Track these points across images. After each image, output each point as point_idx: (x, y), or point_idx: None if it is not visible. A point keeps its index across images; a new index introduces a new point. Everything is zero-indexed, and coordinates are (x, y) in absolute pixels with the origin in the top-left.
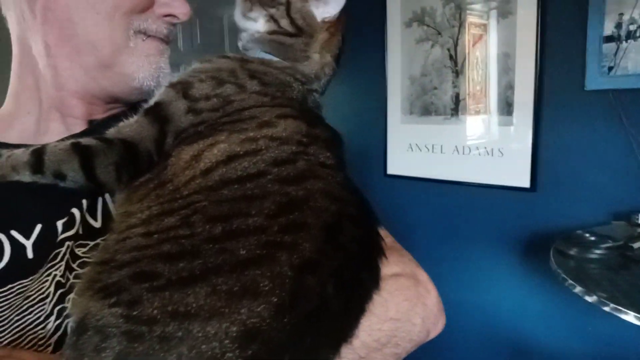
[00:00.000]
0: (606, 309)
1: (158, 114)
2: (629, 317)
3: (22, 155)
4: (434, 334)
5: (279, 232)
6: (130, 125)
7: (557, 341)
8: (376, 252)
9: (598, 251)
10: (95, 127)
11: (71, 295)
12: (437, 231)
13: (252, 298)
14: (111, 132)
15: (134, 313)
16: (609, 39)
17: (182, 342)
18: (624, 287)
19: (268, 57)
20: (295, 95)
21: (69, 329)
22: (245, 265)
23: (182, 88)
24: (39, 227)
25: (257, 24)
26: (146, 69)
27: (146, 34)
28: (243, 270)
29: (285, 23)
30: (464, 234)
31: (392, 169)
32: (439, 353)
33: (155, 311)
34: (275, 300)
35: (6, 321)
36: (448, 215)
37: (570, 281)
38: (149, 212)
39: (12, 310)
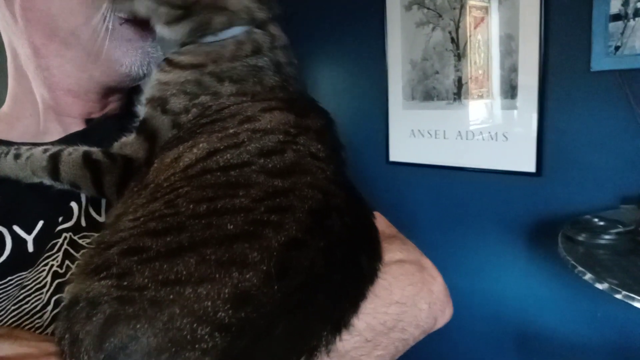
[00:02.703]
0: (618, 296)
1: (147, 132)
2: None
3: (40, 158)
4: (441, 321)
5: (265, 212)
6: (131, 145)
7: (565, 328)
8: (373, 239)
9: (607, 236)
10: (94, 126)
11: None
12: (441, 218)
13: (241, 267)
14: (115, 148)
15: (125, 283)
16: (616, 17)
17: (173, 303)
18: (635, 274)
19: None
20: (272, 78)
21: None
22: (232, 239)
23: (160, 104)
24: (41, 223)
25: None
26: (131, 53)
27: (121, 16)
28: (231, 244)
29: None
30: (468, 220)
31: (394, 156)
32: (446, 340)
33: (145, 280)
34: (265, 269)
35: (3, 311)
36: (452, 201)
37: (580, 268)
38: (134, 205)
39: (9, 300)
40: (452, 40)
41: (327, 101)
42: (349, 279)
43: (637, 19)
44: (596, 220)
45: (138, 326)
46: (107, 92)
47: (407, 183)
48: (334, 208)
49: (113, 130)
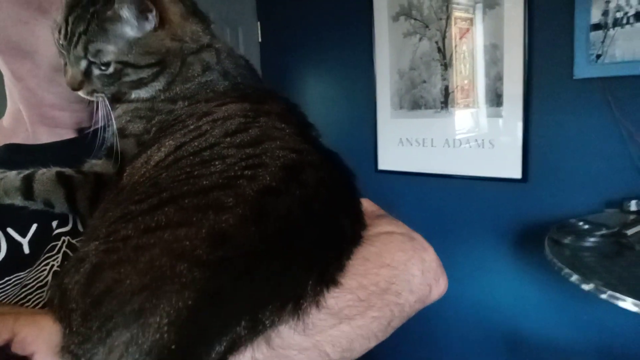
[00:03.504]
0: (603, 296)
1: (114, 155)
2: (627, 304)
3: (14, 180)
4: (436, 291)
5: (238, 170)
6: (101, 165)
7: (554, 330)
8: (354, 203)
9: (592, 239)
10: (84, 136)
11: None
12: (430, 225)
13: (217, 210)
14: (85, 167)
15: (110, 239)
16: (597, 26)
17: (154, 246)
18: (620, 274)
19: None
20: (222, 84)
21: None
22: (208, 190)
23: (120, 132)
24: (34, 226)
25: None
26: None
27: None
28: (206, 193)
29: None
30: (457, 227)
31: (383, 164)
32: (436, 345)
33: (129, 232)
34: (240, 211)
35: None
36: (441, 208)
37: (567, 270)
38: (113, 204)
39: (9, 299)
40: (439, 50)
41: (316, 110)
42: (329, 233)
43: (616, 28)
44: (581, 223)
45: (122, 270)
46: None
47: (396, 191)
48: (308, 164)
49: (102, 140)
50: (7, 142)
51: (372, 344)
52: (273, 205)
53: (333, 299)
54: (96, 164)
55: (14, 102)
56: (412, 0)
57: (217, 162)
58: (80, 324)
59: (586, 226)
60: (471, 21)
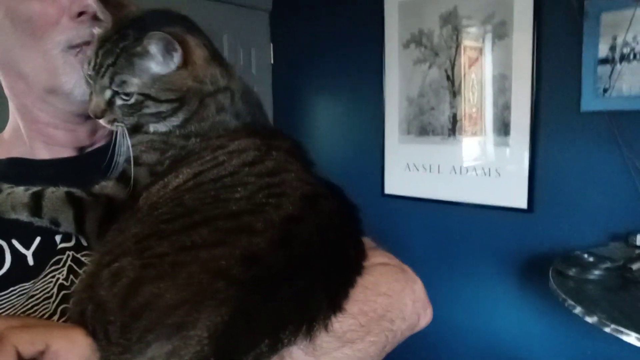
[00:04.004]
0: (607, 329)
1: (126, 181)
2: (630, 338)
3: (22, 195)
4: (424, 321)
5: (263, 197)
6: (111, 187)
7: None
8: (358, 235)
9: (597, 272)
10: (86, 155)
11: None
12: (435, 251)
13: (249, 234)
14: (96, 189)
15: (145, 255)
16: (604, 61)
17: (192, 264)
18: (624, 308)
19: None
20: (233, 124)
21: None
22: (238, 215)
23: (134, 161)
24: (38, 239)
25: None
26: (84, 82)
27: (74, 46)
28: (237, 217)
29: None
30: (461, 254)
31: (389, 189)
32: None
33: (165, 249)
34: (269, 236)
35: None
36: (445, 235)
37: (570, 302)
38: (129, 223)
39: (15, 309)
40: (448, 78)
41: (325, 132)
42: (339, 261)
43: (623, 63)
44: (586, 256)
45: (161, 285)
46: (86, 118)
47: (402, 215)
48: (321, 195)
49: (103, 160)
50: (8, 154)
51: None
52: (295, 232)
53: (338, 323)
54: (106, 187)
55: (13, 115)
56: (423, 29)
57: (239, 188)
58: (119, 336)
59: (591, 259)
60: (480, 51)
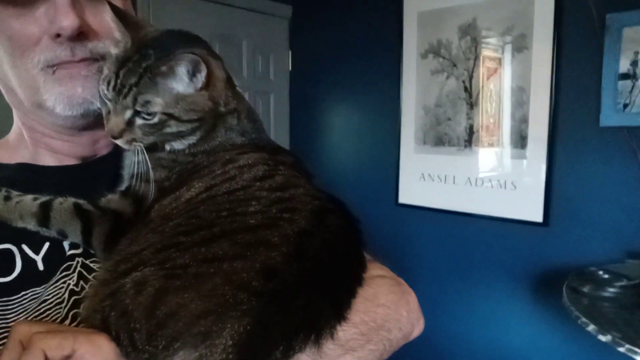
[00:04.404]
0: (621, 349)
1: (134, 196)
2: None
3: (30, 205)
4: (417, 331)
5: (277, 212)
6: (118, 202)
7: None
8: (360, 251)
9: (612, 289)
10: (89, 163)
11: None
12: (448, 262)
13: (266, 247)
14: (102, 202)
15: (167, 266)
16: (625, 76)
17: (215, 275)
18: (639, 328)
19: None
20: (239, 140)
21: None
22: (255, 229)
23: (141, 178)
24: (47, 244)
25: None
26: (65, 96)
27: (53, 65)
28: (255, 231)
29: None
30: (474, 266)
31: (403, 198)
32: None
33: (187, 260)
34: (285, 250)
35: None
36: (459, 246)
37: (584, 319)
38: (141, 234)
39: (28, 313)
40: (465, 89)
41: (340, 140)
42: (345, 273)
43: None
44: (601, 272)
45: (186, 295)
46: (79, 130)
47: (415, 225)
48: (329, 211)
49: (108, 170)
50: (14, 158)
51: None
52: (307, 246)
53: (342, 332)
54: (112, 200)
55: (15, 120)
56: (442, 39)
57: (253, 202)
58: (146, 343)
59: (606, 275)
60: (499, 62)
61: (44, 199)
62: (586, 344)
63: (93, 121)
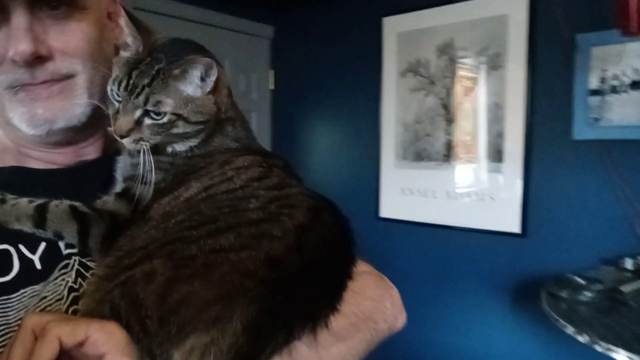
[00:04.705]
0: (598, 348)
1: (130, 198)
2: (620, 356)
3: (26, 207)
4: (399, 323)
5: (276, 208)
6: (113, 203)
7: None
8: (350, 243)
9: (589, 294)
10: (80, 167)
11: (83, 300)
12: (429, 274)
13: (269, 240)
14: (98, 204)
15: (175, 257)
16: (595, 92)
17: (222, 265)
18: (614, 328)
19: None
20: (233, 145)
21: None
22: (258, 223)
23: (137, 179)
24: (43, 244)
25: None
26: (27, 117)
27: (14, 86)
28: (258, 224)
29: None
30: (455, 277)
31: (384, 212)
32: None
33: (194, 252)
34: (286, 242)
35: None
36: (439, 258)
37: (562, 322)
38: (142, 231)
39: (28, 309)
40: (444, 106)
41: (322, 156)
42: (338, 267)
43: (613, 95)
44: (578, 278)
45: (196, 284)
46: (60, 147)
47: (396, 239)
48: (323, 208)
49: (99, 173)
50: (3, 161)
51: None
52: (305, 240)
53: (334, 322)
54: (108, 202)
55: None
56: (420, 59)
57: (252, 200)
58: (158, 328)
59: (582, 281)
60: (475, 80)
61: (39, 201)
62: (564, 347)
63: (72, 136)
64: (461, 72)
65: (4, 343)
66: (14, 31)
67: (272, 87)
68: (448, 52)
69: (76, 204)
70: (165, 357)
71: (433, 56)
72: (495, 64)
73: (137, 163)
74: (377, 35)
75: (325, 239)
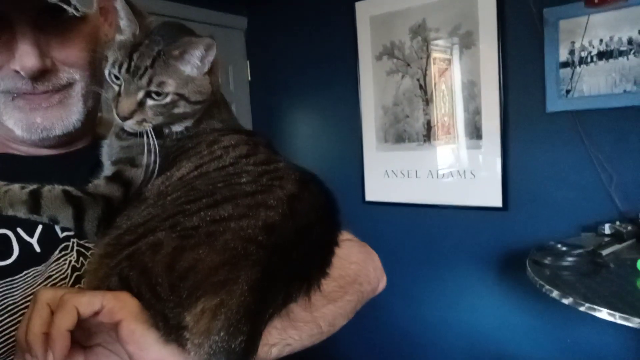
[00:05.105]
0: (581, 308)
1: (121, 181)
2: (602, 314)
3: (19, 194)
4: (381, 286)
5: (268, 180)
6: (105, 187)
7: (538, 351)
8: (337, 212)
9: (570, 258)
10: (71, 153)
11: (85, 279)
12: (417, 253)
13: (265, 208)
14: (90, 188)
15: (178, 228)
16: (564, 64)
17: (225, 233)
18: (596, 290)
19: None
20: (218, 125)
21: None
22: (253, 194)
23: (128, 162)
24: (40, 227)
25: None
26: (24, 123)
27: (11, 92)
28: (253, 195)
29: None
30: (443, 254)
31: (370, 196)
32: None
33: (196, 223)
34: (281, 210)
35: (31, 297)
36: (426, 237)
37: (547, 287)
38: (139, 210)
39: (34, 288)
40: (420, 86)
41: (304, 145)
42: (328, 234)
43: (582, 66)
44: (559, 245)
45: (201, 251)
46: (45, 145)
47: (383, 221)
48: (310, 180)
49: (86, 160)
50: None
51: (345, 322)
52: (298, 207)
53: (325, 284)
54: (99, 186)
55: None
56: (394, 41)
57: (244, 175)
58: (169, 294)
59: (564, 247)
60: (449, 60)
61: (32, 187)
62: (551, 311)
63: (66, 140)
64: (435, 53)
65: (14, 320)
66: (21, 48)
67: (249, 78)
68: (421, 33)
69: (69, 188)
70: (177, 320)
71: (407, 38)
72: (467, 43)
73: (127, 146)
74: (351, 20)
75: (314, 208)
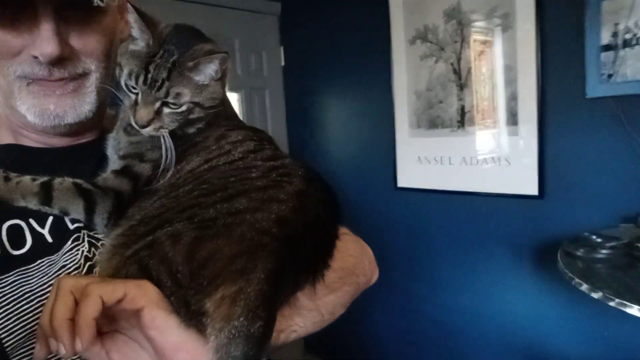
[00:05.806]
0: (612, 304)
1: (130, 175)
2: (634, 310)
3: (31, 185)
4: (374, 278)
5: (276, 176)
6: (113, 180)
7: (574, 346)
8: (337, 208)
9: (604, 251)
10: (78, 146)
11: (97, 269)
12: (449, 241)
13: (277, 203)
14: (99, 182)
15: (196, 220)
16: (607, 47)
17: (241, 225)
18: (629, 284)
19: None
20: (225, 122)
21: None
22: (264, 189)
23: (137, 157)
24: (50, 218)
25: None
26: (37, 109)
27: (27, 77)
28: (265, 190)
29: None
30: (475, 242)
31: (402, 182)
32: (456, 358)
33: (213, 215)
34: (291, 205)
35: (46, 285)
36: (459, 225)
37: (577, 280)
38: (157, 196)
39: (49, 277)
40: (455, 71)
41: (337, 130)
42: (331, 227)
43: (626, 49)
44: (594, 237)
45: (219, 241)
46: (57, 133)
47: (415, 207)
48: (314, 178)
49: (94, 153)
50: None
51: (343, 310)
52: (306, 202)
53: (327, 275)
54: (109, 179)
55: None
56: (428, 25)
57: (253, 170)
58: (190, 281)
59: (599, 239)
60: (485, 43)
61: (43, 179)
62: (582, 305)
63: (77, 129)
64: (470, 36)
65: (32, 307)
66: (42, 34)
67: (283, 63)
68: (455, 16)
69: (79, 181)
70: (198, 306)
71: (441, 22)
72: (504, 25)
73: (137, 142)
74: (384, 4)
75: (319, 203)
